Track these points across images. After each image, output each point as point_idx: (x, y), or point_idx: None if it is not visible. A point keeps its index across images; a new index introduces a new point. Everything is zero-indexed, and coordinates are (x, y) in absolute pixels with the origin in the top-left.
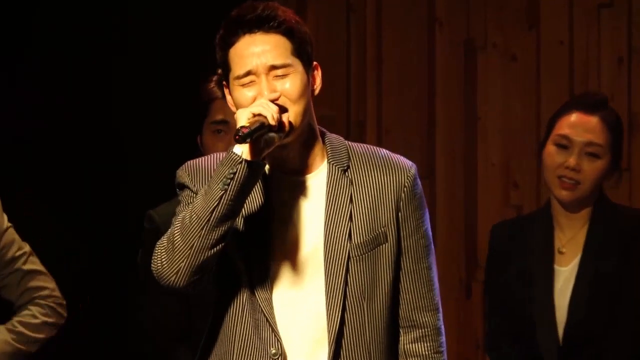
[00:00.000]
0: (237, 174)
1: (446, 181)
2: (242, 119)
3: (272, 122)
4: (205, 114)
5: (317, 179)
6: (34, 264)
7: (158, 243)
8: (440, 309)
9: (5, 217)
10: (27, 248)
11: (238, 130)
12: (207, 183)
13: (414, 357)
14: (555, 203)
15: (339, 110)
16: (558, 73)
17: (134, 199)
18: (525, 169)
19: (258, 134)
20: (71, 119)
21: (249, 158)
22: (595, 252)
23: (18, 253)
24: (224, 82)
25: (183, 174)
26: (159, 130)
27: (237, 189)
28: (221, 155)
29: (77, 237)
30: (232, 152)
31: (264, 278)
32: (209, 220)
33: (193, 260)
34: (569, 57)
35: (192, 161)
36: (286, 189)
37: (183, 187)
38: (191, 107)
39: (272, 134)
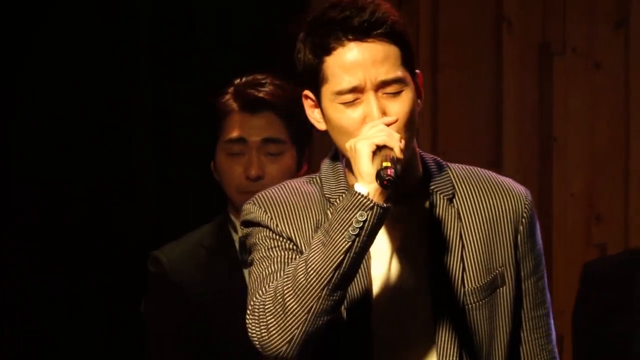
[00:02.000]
0: (367, 222)
1: None
2: (364, 153)
3: (400, 155)
4: (217, 133)
5: (419, 211)
6: None
7: (255, 304)
8: None
9: None
10: None
11: (382, 173)
12: (299, 225)
13: None
14: None
15: None
16: None
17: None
18: (612, 200)
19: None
20: (70, 126)
21: (380, 201)
22: None
23: None
24: (306, 93)
25: (256, 210)
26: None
27: (365, 240)
28: (300, 184)
29: (76, 237)
30: (358, 194)
31: (360, 340)
32: (331, 279)
33: (309, 327)
34: None
35: (263, 194)
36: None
37: (257, 225)
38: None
39: (398, 167)
